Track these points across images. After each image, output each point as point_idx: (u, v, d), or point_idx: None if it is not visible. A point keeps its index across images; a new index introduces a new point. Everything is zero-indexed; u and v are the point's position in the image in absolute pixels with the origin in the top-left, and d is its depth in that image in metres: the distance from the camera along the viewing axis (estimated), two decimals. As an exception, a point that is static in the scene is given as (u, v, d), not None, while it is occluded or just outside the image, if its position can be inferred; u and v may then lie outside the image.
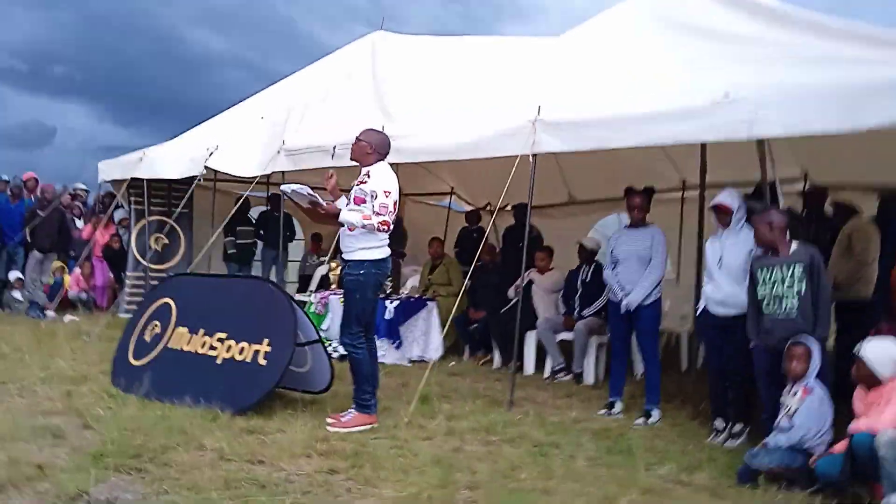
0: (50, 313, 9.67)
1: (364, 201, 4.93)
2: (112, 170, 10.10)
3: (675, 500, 3.81)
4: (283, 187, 5.19)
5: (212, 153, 8.56)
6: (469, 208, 11.72)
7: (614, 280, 5.70)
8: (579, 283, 7.37)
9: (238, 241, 10.91)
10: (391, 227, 4.97)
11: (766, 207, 4.77)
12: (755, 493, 3.92)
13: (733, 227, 4.95)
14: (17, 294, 9.96)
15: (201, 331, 5.37)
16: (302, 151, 7.33)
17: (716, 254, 4.98)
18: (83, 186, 11.64)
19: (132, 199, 10.21)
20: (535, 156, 5.60)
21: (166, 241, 10.37)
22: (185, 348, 5.39)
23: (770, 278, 4.43)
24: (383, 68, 8.36)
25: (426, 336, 7.93)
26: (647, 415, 5.50)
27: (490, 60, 7.36)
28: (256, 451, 4.09)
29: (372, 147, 5.08)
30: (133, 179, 9.80)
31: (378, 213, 4.85)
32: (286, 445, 4.21)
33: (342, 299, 5.20)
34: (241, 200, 9.66)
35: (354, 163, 5.25)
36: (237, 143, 8.55)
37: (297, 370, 5.39)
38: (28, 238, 10.05)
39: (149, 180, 9.93)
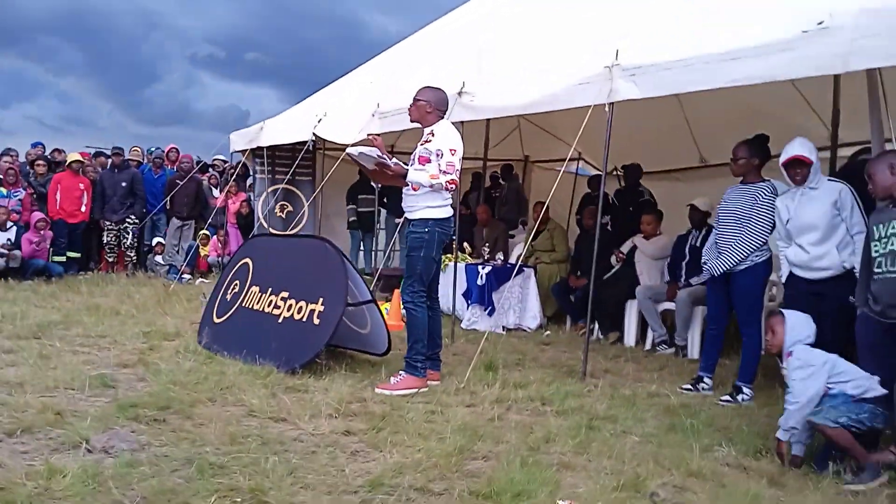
0: (186, 276, 10.36)
1: (429, 161, 4.80)
2: (240, 140, 10.58)
3: (721, 486, 3.32)
4: (349, 150, 5.13)
5: (320, 120, 8.69)
6: (595, 173, 11.17)
7: (711, 240, 5.12)
8: (688, 248, 6.71)
9: (359, 209, 11.10)
10: (458, 185, 4.84)
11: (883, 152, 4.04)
12: (819, 481, 3.35)
13: (811, 180, 4.24)
14: (158, 258, 10.76)
15: (269, 290, 5.45)
16: (393, 113, 7.22)
17: (792, 213, 4.31)
18: (221, 157, 12.32)
19: (257, 167, 10.66)
20: (612, 105, 5.10)
21: (290, 208, 10.75)
22: (255, 307, 5.49)
23: (887, 233, 3.68)
24: (491, 25, 8.10)
25: (522, 304, 7.63)
26: (738, 391, 4.90)
27: (578, 13, 6.86)
28: (285, 408, 4.06)
29: (432, 105, 4.96)
30: (257, 148, 10.22)
31: (445, 172, 4.74)
32: (317, 405, 4.15)
33: (406, 254, 5.06)
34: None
35: (416, 124, 5.10)
36: (343, 109, 8.62)
37: (359, 330, 5.34)
38: (168, 206, 10.79)
39: (273, 150, 10.33)
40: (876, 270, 3.66)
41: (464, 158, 11.07)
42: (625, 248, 7.44)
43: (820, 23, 3.94)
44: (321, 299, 4.98)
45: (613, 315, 7.24)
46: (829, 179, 4.49)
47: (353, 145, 5.62)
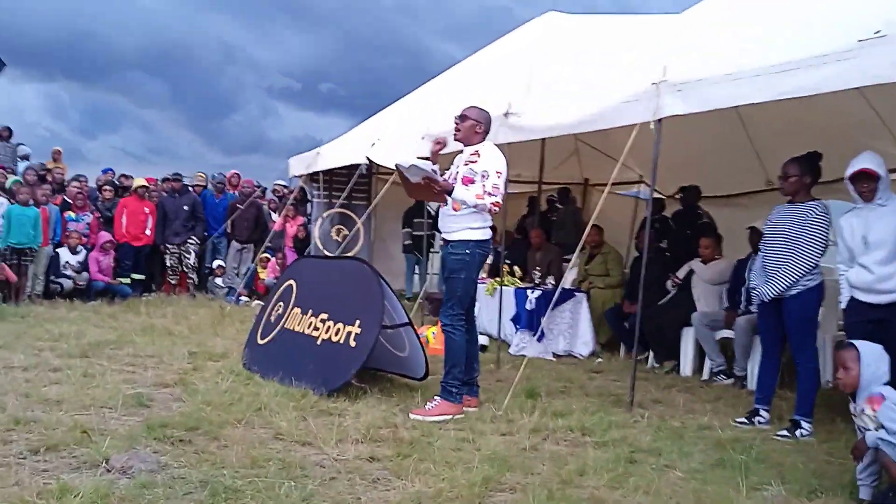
0: (243, 298, 10.51)
1: (473, 181, 4.68)
2: (299, 165, 10.74)
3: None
4: (399, 161, 5.04)
5: (373, 144, 8.72)
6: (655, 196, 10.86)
7: (758, 263, 4.83)
8: (747, 273, 6.38)
9: (414, 233, 11.07)
10: (501, 208, 4.72)
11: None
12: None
13: (880, 196, 3.94)
14: (218, 280, 10.97)
15: (310, 311, 5.42)
16: (440, 136, 7.16)
17: (857, 231, 4.01)
18: (283, 182, 12.53)
19: (314, 192, 10.79)
20: (659, 121, 4.90)
21: (346, 231, 10.80)
22: (297, 329, 5.47)
23: None
24: (541, 49, 8.01)
25: (573, 329, 7.40)
26: (796, 426, 4.57)
27: (627, 33, 6.71)
28: (312, 432, 3.97)
29: (481, 126, 4.87)
30: (314, 173, 10.35)
31: (490, 194, 4.63)
32: (346, 429, 4.06)
33: (445, 277, 4.94)
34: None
35: (459, 143, 5.01)
36: (395, 133, 8.64)
37: (397, 353, 5.24)
38: (229, 229, 11.00)
39: (330, 174, 10.45)
40: None
41: (519, 182, 10.95)
42: (681, 272, 7.14)
43: (877, 31, 3.70)
44: (358, 321, 4.91)
45: (669, 343, 6.93)
46: None
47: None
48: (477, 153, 4.80)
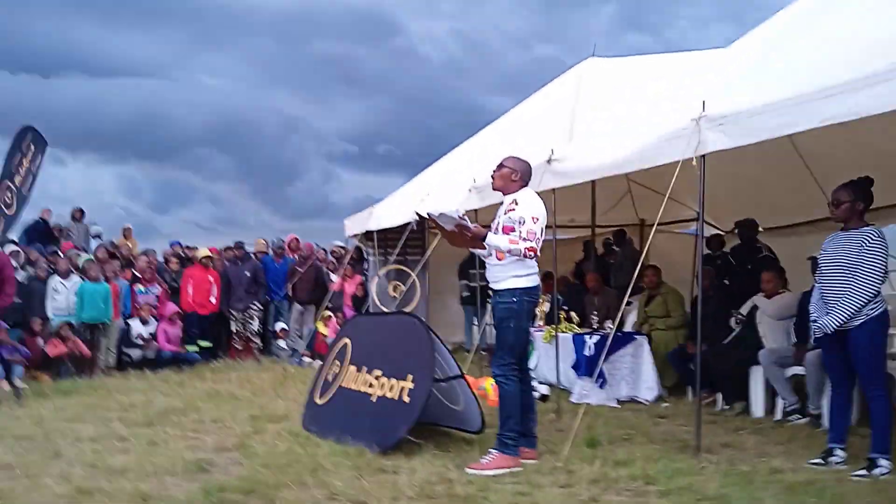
0: (306, 360, 10.63)
1: (513, 230, 4.69)
2: (354, 225, 10.95)
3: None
4: (430, 210, 5.10)
5: (422, 199, 8.84)
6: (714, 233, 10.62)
7: (816, 295, 4.64)
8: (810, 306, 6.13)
9: (471, 284, 11.06)
10: (538, 253, 4.69)
11: None
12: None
13: None
14: (281, 343, 11.15)
15: (364, 368, 5.45)
16: (486, 187, 7.22)
17: None
18: (340, 244, 12.76)
19: (370, 250, 10.95)
20: (703, 157, 4.83)
21: (403, 287, 10.87)
22: (353, 387, 5.49)
23: None
24: (581, 95, 8.07)
25: (635, 374, 7.21)
26: (873, 464, 4.31)
27: (666, 73, 6.69)
28: (367, 491, 3.95)
29: (518, 174, 4.89)
30: (368, 232, 10.53)
31: (526, 239, 4.62)
32: (400, 487, 4.01)
33: (495, 326, 4.90)
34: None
35: (499, 192, 5.03)
36: (443, 187, 8.75)
37: (453, 407, 5.19)
38: (290, 292, 11.22)
39: (384, 232, 10.60)
40: None
41: (572, 227, 10.86)
42: (745, 308, 6.91)
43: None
44: (410, 376, 4.90)
45: (738, 383, 6.67)
46: None
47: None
48: (515, 202, 4.82)
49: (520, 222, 4.68)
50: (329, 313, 11.48)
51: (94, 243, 12.84)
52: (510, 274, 4.72)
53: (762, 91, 4.64)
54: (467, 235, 4.79)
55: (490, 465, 4.47)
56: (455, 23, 46.53)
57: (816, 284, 4.77)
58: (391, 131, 44.53)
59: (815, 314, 4.65)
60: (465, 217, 4.82)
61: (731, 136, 4.63)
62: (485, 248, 4.78)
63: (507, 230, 4.73)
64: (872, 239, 4.41)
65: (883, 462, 4.28)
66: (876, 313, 4.37)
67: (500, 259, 4.74)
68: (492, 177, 4.99)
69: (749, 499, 3.87)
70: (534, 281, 4.79)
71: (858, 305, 4.34)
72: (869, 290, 4.33)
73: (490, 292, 4.92)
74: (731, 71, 5.51)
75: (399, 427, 4.78)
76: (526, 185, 4.94)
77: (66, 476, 4.23)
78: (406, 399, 4.85)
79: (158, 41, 41.54)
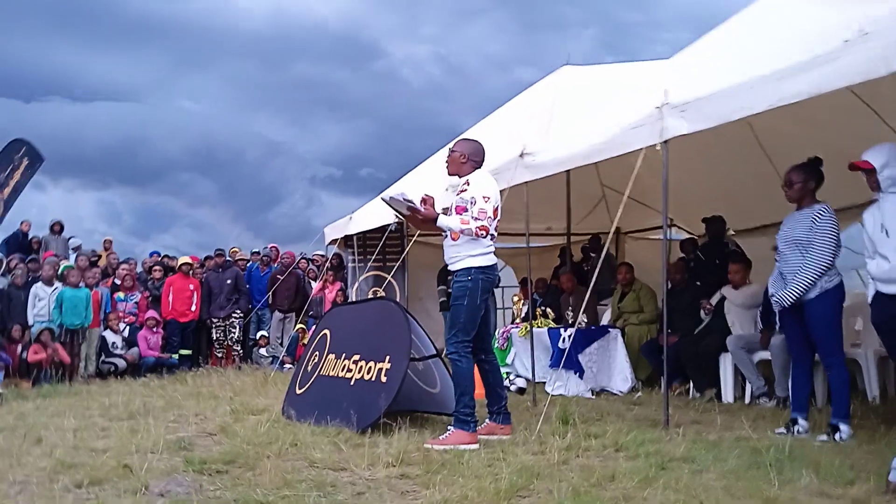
0: (287, 366, 10.69)
1: (465, 210, 4.83)
2: (333, 232, 11.08)
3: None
4: (382, 195, 5.24)
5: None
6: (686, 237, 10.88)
7: (775, 273, 4.86)
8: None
9: (448, 290, 11.20)
10: (489, 232, 4.81)
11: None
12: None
13: (892, 185, 3.99)
14: (262, 351, 11.21)
15: (343, 355, 5.56)
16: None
17: (877, 221, 4.02)
18: (320, 253, 12.88)
19: (350, 257, 11.08)
20: (666, 143, 5.05)
21: (382, 293, 11.00)
22: (331, 374, 5.60)
23: None
24: (557, 98, 8.32)
25: (610, 366, 7.37)
26: (834, 430, 4.49)
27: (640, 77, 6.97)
28: (346, 459, 4.06)
29: (466, 156, 5.03)
30: (348, 238, 10.66)
31: (476, 218, 4.74)
32: (379, 455, 4.13)
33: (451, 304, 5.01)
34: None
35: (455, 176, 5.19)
36: (420, 191, 8.89)
37: (430, 390, 5.31)
38: (270, 300, 11.30)
39: (363, 239, 10.74)
40: None
41: (549, 234, 11.04)
42: (714, 299, 7.12)
43: (860, 30, 3.83)
44: (387, 357, 5.03)
45: (709, 370, 6.86)
46: None
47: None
48: (467, 182, 4.96)
49: (471, 202, 4.81)
50: (302, 326, 11.58)
51: (73, 256, 12.84)
52: (466, 254, 4.84)
53: (721, 78, 4.89)
54: (418, 218, 4.92)
55: (447, 441, 4.56)
56: (436, 46, 47.10)
57: (777, 263, 4.97)
58: (373, 154, 44.83)
59: (772, 290, 4.85)
60: (412, 200, 4.95)
61: (692, 122, 4.85)
62: (442, 231, 4.92)
63: (460, 210, 4.85)
64: (823, 215, 4.64)
65: (844, 427, 4.48)
66: (831, 285, 4.59)
67: (454, 239, 4.88)
68: (445, 163, 5.16)
69: (715, 459, 4.01)
70: (489, 260, 4.89)
71: (813, 278, 4.56)
72: (823, 263, 4.55)
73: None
74: (693, 64, 5.76)
75: (378, 405, 4.89)
76: (479, 165, 5.06)
77: (49, 455, 4.29)
78: (383, 379, 4.98)
79: (139, 65, 41.68)
